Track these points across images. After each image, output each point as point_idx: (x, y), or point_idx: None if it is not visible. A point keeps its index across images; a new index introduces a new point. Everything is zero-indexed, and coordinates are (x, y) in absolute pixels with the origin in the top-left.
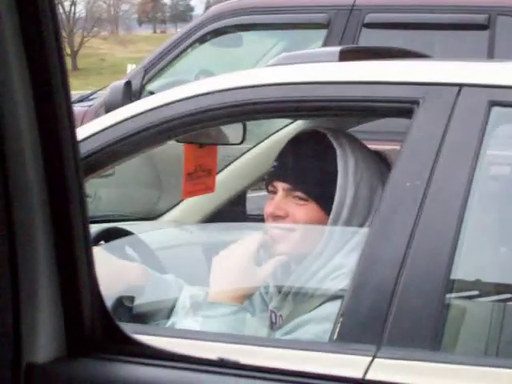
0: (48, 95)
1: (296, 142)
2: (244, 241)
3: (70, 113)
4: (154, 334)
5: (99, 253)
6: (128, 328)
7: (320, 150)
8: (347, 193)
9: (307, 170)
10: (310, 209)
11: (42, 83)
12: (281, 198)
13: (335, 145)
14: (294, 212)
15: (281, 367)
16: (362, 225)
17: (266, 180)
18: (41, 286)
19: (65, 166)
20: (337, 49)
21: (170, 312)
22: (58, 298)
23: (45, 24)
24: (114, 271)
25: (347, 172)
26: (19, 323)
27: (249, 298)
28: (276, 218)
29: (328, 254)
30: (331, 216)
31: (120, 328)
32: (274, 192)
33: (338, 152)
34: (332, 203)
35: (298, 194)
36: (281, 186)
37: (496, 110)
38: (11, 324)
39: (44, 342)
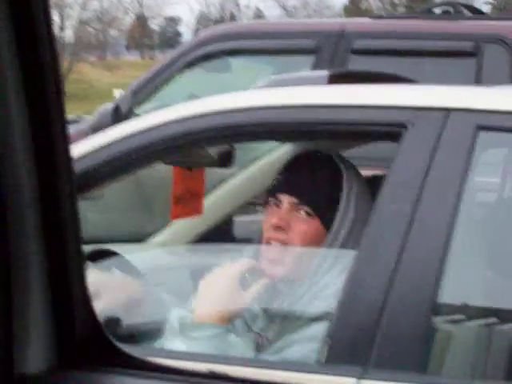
0: (44, 119)
1: (304, 159)
2: (230, 264)
3: (63, 128)
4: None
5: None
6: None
7: (327, 169)
8: (348, 214)
9: (314, 187)
10: (313, 225)
11: (36, 95)
12: (286, 211)
13: (342, 167)
14: (297, 226)
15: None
16: (355, 248)
17: (268, 192)
18: (32, 297)
19: (58, 181)
20: (326, 72)
21: (158, 332)
22: (49, 310)
23: (42, 46)
24: (115, 284)
25: (350, 193)
26: (11, 334)
27: (233, 320)
28: (277, 229)
29: (319, 275)
30: (330, 235)
31: (111, 340)
32: (277, 205)
33: (344, 173)
34: (332, 223)
35: (305, 209)
36: (287, 199)
37: (483, 134)
38: (3, 335)
39: (35, 353)
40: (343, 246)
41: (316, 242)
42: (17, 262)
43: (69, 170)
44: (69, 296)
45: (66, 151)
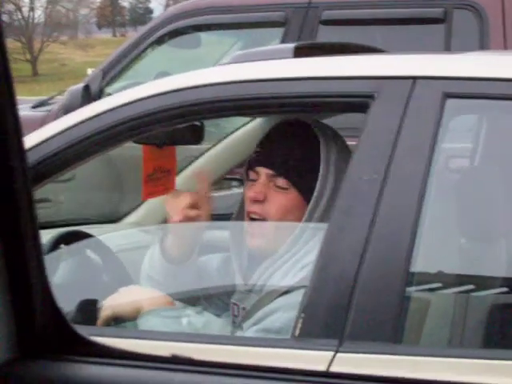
0: None
1: (280, 130)
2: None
3: (16, 120)
4: (114, 336)
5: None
6: (88, 330)
7: (304, 139)
8: (327, 183)
9: (291, 157)
10: (291, 197)
11: None
12: (263, 184)
13: (318, 134)
14: (274, 198)
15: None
16: None
17: (248, 165)
18: None
19: (12, 174)
20: (291, 45)
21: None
22: (8, 302)
23: None
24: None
25: (329, 162)
26: None
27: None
28: (255, 202)
29: (298, 245)
30: (310, 205)
31: (73, 328)
32: (256, 179)
33: (322, 142)
34: (312, 193)
35: (281, 180)
36: (264, 171)
37: (451, 101)
38: None
39: None
40: (323, 215)
41: (295, 213)
42: None
43: (22, 160)
44: (27, 285)
45: (20, 141)
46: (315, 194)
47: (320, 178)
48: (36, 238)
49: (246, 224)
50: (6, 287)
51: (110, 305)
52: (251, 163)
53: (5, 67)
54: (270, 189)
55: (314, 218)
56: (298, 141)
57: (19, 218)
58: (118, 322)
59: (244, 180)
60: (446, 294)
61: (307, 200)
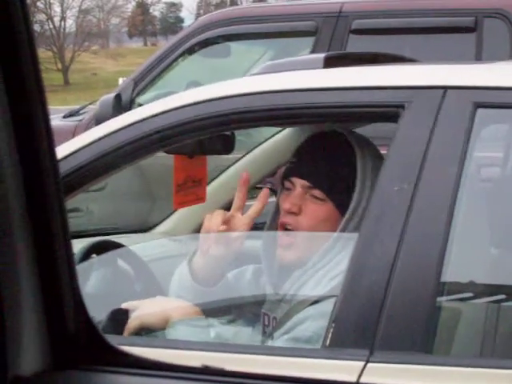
0: (26, 117)
1: (316, 140)
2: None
3: (48, 130)
4: (144, 346)
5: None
6: (117, 340)
7: (339, 150)
8: (364, 193)
9: (326, 169)
10: (325, 208)
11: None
12: (298, 195)
13: (355, 146)
14: (308, 210)
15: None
16: None
17: (283, 174)
18: (24, 299)
19: (45, 183)
20: (321, 56)
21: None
22: (41, 311)
23: (20, 40)
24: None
25: (365, 173)
26: (4, 337)
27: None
28: (290, 213)
29: (330, 255)
30: (346, 216)
31: (105, 339)
32: (291, 188)
33: (358, 153)
34: (346, 204)
35: (316, 192)
36: (299, 182)
37: (481, 111)
38: None
39: (29, 354)
40: (358, 226)
41: (328, 224)
42: (5, 263)
43: (55, 170)
44: (59, 294)
45: (51, 151)
46: (352, 204)
47: (357, 189)
48: (68, 247)
49: (278, 234)
50: (38, 296)
51: (137, 315)
52: (287, 173)
53: (37, 77)
54: (305, 200)
55: (348, 228)
56: (334, 151)
57: (51, 227)
58: (146, 332)
59: (279, 188)
60: (477, 303)
61: (341, 211)
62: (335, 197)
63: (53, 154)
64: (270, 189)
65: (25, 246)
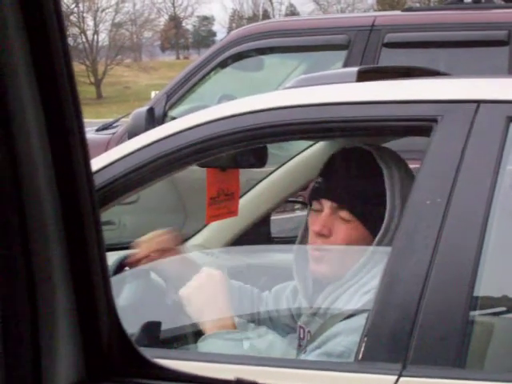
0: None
1: (341, 158)
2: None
3: (83, 143)
4: (177, 359)
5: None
6: (151, 353)
7: (366, 167)
8: (395, 212)
9: (353, 188)
10: (355, 228)
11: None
12: (327, 217)
13: (380, 163)
14: (338, 230)
15: None
16: None
17: (311, 196)
18: (59, 311)
19: (80, 196)
20: (354, 69)
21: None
22: (76, 324)
23: (56, 56)
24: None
25: (394, 191)
26: (38, 350)
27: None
28: (320, 236)
29: (364, 271)
30: (378, 236)
31: (139, 351)
32: (319, 209)
33: (385, 170)
34: (375, 222)
35: (344, 212)
36: (327, 203)
37: None
38: (30, 351)
39: (64, 368)
40: (391, 242)
41: (359, 243)
42: (40, 275)
43: (90, 183)
44: (94, 307)
45: (86, 160)
46: (384, 225)
47: (388, 207)
48: (103, 260)
49: (311, 249)
50: (73, 309)
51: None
52: (314, 193)
53: (72, 90)
54: (334, 221)
55: (382, 245)
56: (360, 170)
57: (86, 240)
58: (179, 344)
59: (308, 207)
60: (510, 318)
61: (371, 229)
62: (363, 216)
63: (88, 167)
64: (302, 202)
65: (60, 258)
